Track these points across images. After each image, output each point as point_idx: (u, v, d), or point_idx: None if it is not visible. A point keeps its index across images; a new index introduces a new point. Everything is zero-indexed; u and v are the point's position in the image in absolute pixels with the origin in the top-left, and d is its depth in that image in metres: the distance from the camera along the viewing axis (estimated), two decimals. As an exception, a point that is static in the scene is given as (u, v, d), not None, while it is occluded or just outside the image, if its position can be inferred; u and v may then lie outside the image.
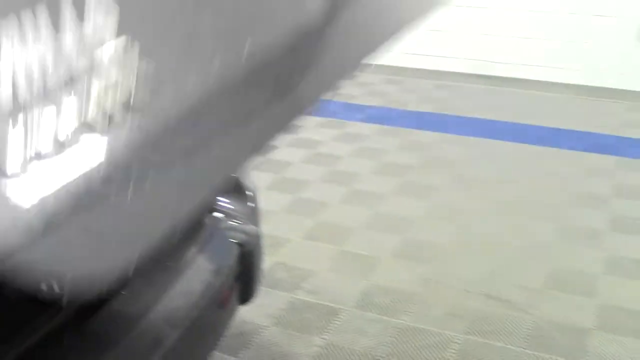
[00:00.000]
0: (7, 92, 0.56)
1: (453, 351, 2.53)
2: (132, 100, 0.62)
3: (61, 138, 0.58)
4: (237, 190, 1.96)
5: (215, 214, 1.78)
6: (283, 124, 0.86)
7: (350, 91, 5.70)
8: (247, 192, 1.98)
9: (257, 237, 1.87)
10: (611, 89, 5.55)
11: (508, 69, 5.81)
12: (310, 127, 4.79)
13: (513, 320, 2.74)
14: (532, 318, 2.75)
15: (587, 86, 5.61)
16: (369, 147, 4.52)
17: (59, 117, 0.59)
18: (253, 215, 1.95)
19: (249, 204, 1.95)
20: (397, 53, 5.78)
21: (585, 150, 4.56)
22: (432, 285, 2.95)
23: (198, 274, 1.59)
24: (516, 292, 2.92)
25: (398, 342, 2.57)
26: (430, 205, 3.71)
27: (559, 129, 4.93)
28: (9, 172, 0.55)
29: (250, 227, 1.86)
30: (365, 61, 1.00)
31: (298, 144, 4.48)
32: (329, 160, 4.30)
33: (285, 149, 4.33)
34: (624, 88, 5.53)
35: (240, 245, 1.78)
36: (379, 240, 3.33)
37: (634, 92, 5.51)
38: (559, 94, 5.66)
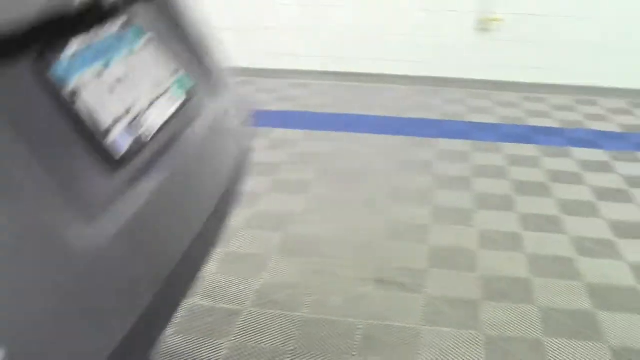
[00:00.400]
0: None
1: (358, 337, 2.57)
2: None
3: None
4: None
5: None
6: None
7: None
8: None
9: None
10: (455, 78, 5.87)
11: (359, 64, 5.97)
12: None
13: (407, 300, 2.82)
14: (424, 296, 2.85)
15: (433, 77, 5.90)
16: (236, 148, 4.48)
17: None
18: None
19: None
20: (250, 54, 5.79)
21: (440, 136, 4.80)
22: (324, 277, 2.98)
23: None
24: (404, 275, 3.02)
25: (303, 334, 2.57)
26: (304, 200, 3.74)
27: (412, 119, 5.15)
28: None
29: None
30: None
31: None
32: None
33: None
34: (467, 77, 5.86)
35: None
36: (262, 238, 3.32)
37: (476, 80, 5.86)
38: (407, 85, 5.92)
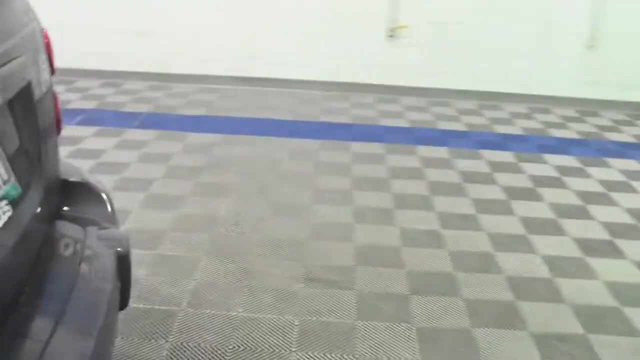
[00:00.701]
0: None
1: (295, 333, 2.61)
2: None
3: None
4: (91, 195, 1.87)
5: (88, 226, 1.71)
6: None
7: (118, 99, 5.57)
8: (101, 196, 1.89)
9: (127, 240, 1.80)
10: (365, 83, 6.01)
11: (270, 70, 6.02)
12: (89, 137, 4.62)
13: (339, 297, 2.89)
14: (355, 292, 2.93)
15: (343, 82, 6.02)
16: (153, 152, 4.44)
17: None
18: (113, 219, 1.87)
19: (106, 208, 1.87)
20: (160, 59, 5.74)
21: (354, 139, 4.91)
22: (255, 277, 3.01)
23: (91, 284, 1.52)
24: (333, 272, 3.08)
25: (242, 333, 2.59)
26: (228, 203, 3.75)
27: (325, 123, 5.26)
28: None
29: (119, 232, 1.80)
30: None
31: (82, 155, 4.29)
32: (115, 168, 4.16)
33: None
34: (376, 82, 6.02)
35: (116, 251, 1.71)
36: (190, 240, 3.31)
37: (385, 85, 6.03)
38: (319, 91, 6.02)
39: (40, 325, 1.32)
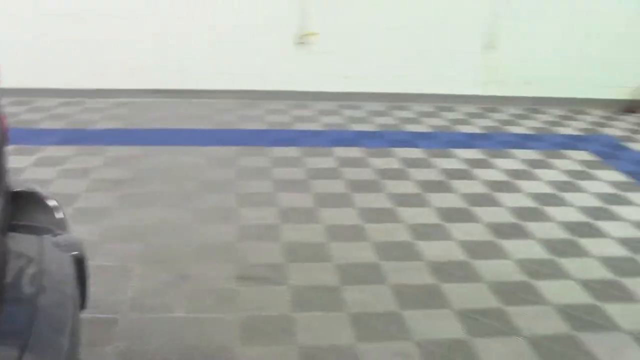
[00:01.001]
0: None
1: (238, 329, 2.74)
2: None
3: None
4: (40, 204, 1.95)
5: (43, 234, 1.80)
6: None
7: (31, 117, 5.52)
8: (50, 204, 1.98)
9: (81, 244, 1.90)
10: (277, 90, 6.18)
11: (183, 81, 6.09)
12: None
13: (275, 292, 3.04)
14: (289, 287, 3.08)
15: (256, 90, 6.17)
16: (73, 167, 4.46)
17: None
18: (63, 225, 1.96)
19: (56, 214, 1.96)
20: (74, 74, 5.73)
21: (272, 145, 5.06)
22: (192, 280, 3.11)
23: (55, 288, 1.61)
24: (267, 270, 3.23)
25: (187, 333, 2.70)
26: (157, 212, 3.83)
27: (243, 130, 5.39)
28: None
29: (72, 237, 1.89)
30: None
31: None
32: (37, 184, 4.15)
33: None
34: (288, 89, 6.20)
35: (73, 255, 1.81)
36: (123, 250, 3.38)
37: (297, 91, 6.22)
38: (233, 99, 6.14)
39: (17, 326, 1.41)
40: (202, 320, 2.79)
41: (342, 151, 4.99)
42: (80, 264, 1.82)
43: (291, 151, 4.94)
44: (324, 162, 4.76)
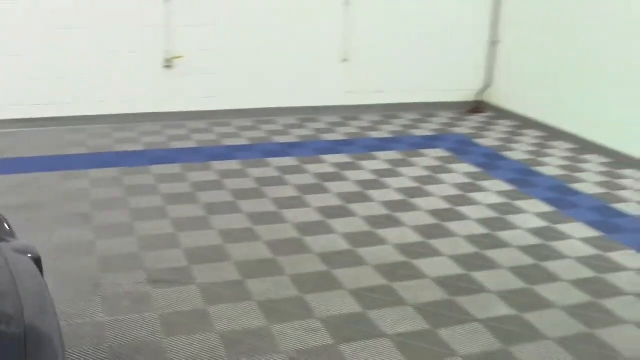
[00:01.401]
0: None
1: (159, 325, 2.99)
2: None
3: None
4: None
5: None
6: None
7: None
8: (-3, 217, 2.18)
9: (34, 248, 2.12)
10: (151, 112, 6.37)
11: (56, 109, 6.14)
12: None
13: (185, 291, 3.31)
14: (197, 285, 3.36)
15: (131, 114, 6.33)
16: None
17: None
18: (13, 234, 2.18)
19: (5, 226, 2.17)
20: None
21: (151, 163, 5.26)
22: (106, 288, 3.31)
23: (30, 281, 1.84)
24: (173, 273, 3.48)
25: (112, 333, 2.91)
26: (52, 233, 3.93)
27: (119, 152, 5.54)
28: None
29: (25, 242, 2.11)
30: None
31: None
32: None
33: None
34: (160, 110, 6.41)
35: (31, 256, 2.04)
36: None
37: (169, 112, 6.44)
38: (108, 124, 6.27)
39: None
40: (124, 321, 3.02)
41: (220, 165, 5.29)
42: (37, 264, 2.04)
43: (173, 168, 5.17)
44: (206, 175, 5.03)
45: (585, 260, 3.79)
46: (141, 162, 5.27)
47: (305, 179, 5.02)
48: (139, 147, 5.71)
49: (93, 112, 6.21)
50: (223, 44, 6.41)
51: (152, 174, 5.01)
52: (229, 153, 5.62)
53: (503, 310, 3.24)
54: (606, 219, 4.43)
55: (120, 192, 4.63)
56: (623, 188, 5.07)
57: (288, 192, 4.75)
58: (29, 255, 2.03)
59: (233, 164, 5.32)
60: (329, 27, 6.70)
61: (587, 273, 3.65)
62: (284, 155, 5.59)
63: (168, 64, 6.30)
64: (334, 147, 5.87)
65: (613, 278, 3.61)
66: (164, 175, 4.99)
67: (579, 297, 3.39)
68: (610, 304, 3.33)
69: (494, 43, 7.20)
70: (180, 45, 6.27)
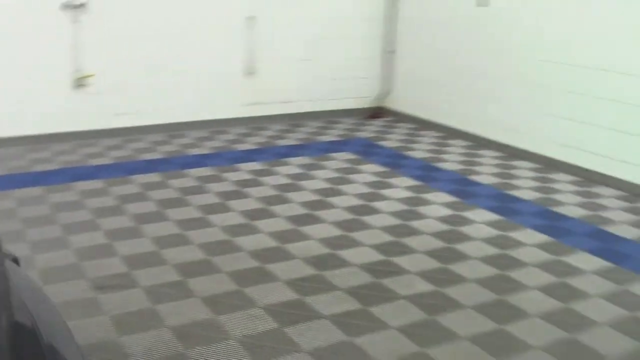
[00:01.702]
0: None
1: (112, 325, 3.19)
2: None
3: None
4: None
5: None
6: None
7: None
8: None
9: (13, 251, 2.31)
10: (62, 132, 6.43)
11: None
12: None
13: (132, 293, 3.50)
14: (142, 288, 3.57)
15: (42, 135, 6.36)
16: None
17: None
18: None
19: None
20: None
21: (77, 180, 5.36)
22: (52, 298, 3.46)
23: (20, 275, 2.04)
24: (116, 279, 3.67)
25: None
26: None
27: (37, 172, 5.61)
28: None
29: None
30: None
31: None
32: None
33: None
34: (73, 130, 6.49)
35: (11, 258, 2.23)
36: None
37: (82, 131, 6.53)
38: (20, 146, 6.28)
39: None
40: (76, 326, 3.17)
41: (141, 178, 5.46)
42: (17, 263, 2.23)
43: (94, 184, 5.30)
44: (129, 189, 5.20)
45: (490, 240, 4.26)
46: (61, 180, 5.36)
47: (225, 186, 5.27)
48: (55, 166, 5.77)
49: (4, 134, 6.21)
50: (133, 61, 6.56)
51: (75, 190, 5.12)
52: (148, 167, 5.78)
53: (424, 287, 3.64)
54: (504, 204, 4.94)
55: (48, 209, 4.73)
56: (516, 177, 5.63)
57: (211, 199, 4.99)
58: (10, 256, 2.22)
59: (153, 177, 5.50)
60: (235, 42, 6.98)
61: (492, 251, 4.12)
62: (200, 166, 5.82)
63: (80, 83, 6.39)
64: (247, 156, 6.15)
65: (515, 253, 4.09)
66: (87, 190, 5.12)
67: (487, 271, 3.84)
68: (515, 274, 3.80)
69: (390, 52, 7.70)
70: (91, 64, 6.37)
